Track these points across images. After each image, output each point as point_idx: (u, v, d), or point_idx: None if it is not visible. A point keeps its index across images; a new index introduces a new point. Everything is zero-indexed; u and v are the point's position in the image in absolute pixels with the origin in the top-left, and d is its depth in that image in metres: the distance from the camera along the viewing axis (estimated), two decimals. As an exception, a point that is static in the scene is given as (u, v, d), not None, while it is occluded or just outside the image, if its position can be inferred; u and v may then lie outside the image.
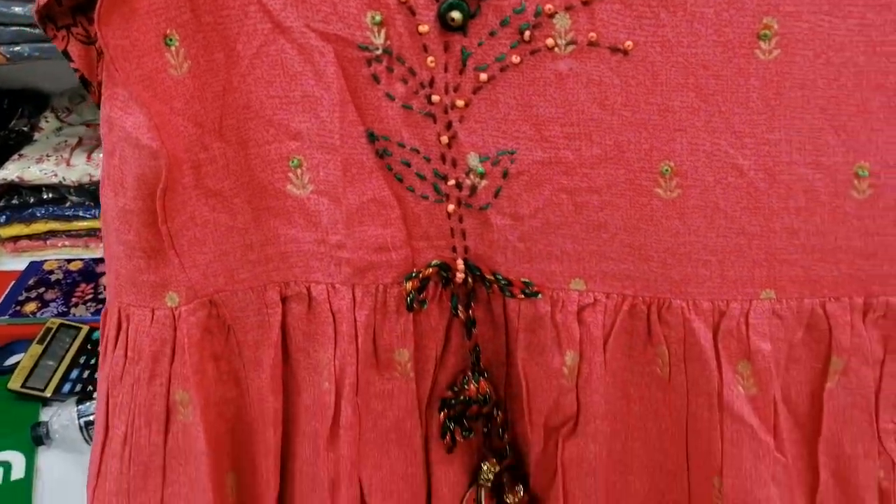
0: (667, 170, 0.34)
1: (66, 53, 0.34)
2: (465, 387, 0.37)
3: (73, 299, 1.01)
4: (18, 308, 0.99)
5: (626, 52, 0.32)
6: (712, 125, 0.33)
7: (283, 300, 0.37)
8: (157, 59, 0.33)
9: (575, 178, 0.35)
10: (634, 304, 0.36)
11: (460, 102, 0.34)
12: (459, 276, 0.36)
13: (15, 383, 0.88)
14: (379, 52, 0.33)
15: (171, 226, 0.35)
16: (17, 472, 0.82)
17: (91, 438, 0.82)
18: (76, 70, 0.34)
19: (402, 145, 0.35)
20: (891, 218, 0.35)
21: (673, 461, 0.38)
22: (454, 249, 0.36)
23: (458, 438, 0.38)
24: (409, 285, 0.35)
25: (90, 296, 1.02)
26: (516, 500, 0.39)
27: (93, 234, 1.11)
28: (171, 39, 0.33)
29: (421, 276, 0.35)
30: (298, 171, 0.35)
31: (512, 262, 0.36)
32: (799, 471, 0.38)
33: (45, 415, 0.87)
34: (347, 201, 0.35)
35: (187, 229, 0.36)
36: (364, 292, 0.36)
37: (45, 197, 1.07)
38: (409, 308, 0.35)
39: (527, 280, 0.36)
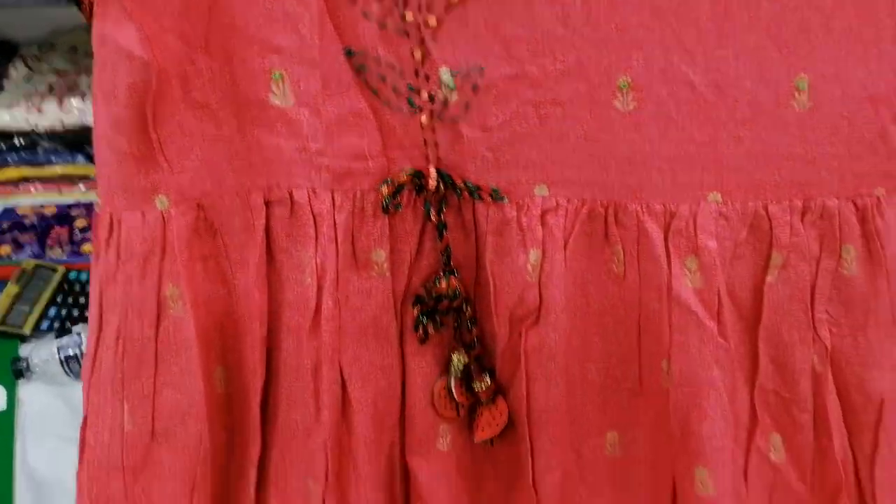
0: (624, 84, 0.37)
1: None
2: (437, 284, 0.40)
3: (49, 241, 1.01)
4: (-8, 252, 0.99)
5: None
6: (666, 43, 0.37)
7: (267, 204, 0.40)
8: None
9: (539, 91, 0.38)
10: (593, 208, 0.40)
11: (432, 21, 0.36)
12: (432, 182, 0.39)
13: (-7, 321, 0.89)
14: None
15: (160, 133, 0.38)
16: (0, 404, 0.84)
17: (71, 372, 0.84)
18: None
19: (377, 61, 0.37)
20: (827, 127, 0.39)
21: (627, 349, 0.42)
22: (427, 159, 0.39)
23: (430, 331, 0.41)
24: (384, 189, 0.38)
25: (65, 237, 1.02)
26: (483, 387, 0.42)
27: (66, 179, 1.10)
28: None
29: (396, 181, 0.38)
30: (281, 83, 0.38)
31: (481, 170, 0.39)
32: (741, 357, 0.42)
33: (24, 351, 0.88)
34: (327, 112, 0.38)
35: (175, 137, 0.38)
36: (343, 197, 0.39)
37: (16, 143, 1.06)
38: (385, 210, 0.38)
39: (494, 187, 0.39)
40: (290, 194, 0.39)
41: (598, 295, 0.41)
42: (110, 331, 0.40)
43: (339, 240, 0.39)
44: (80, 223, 1.05)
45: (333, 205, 0.39)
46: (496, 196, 0.39)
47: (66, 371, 0.85)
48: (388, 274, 0.40)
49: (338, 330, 0.40)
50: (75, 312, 0.94)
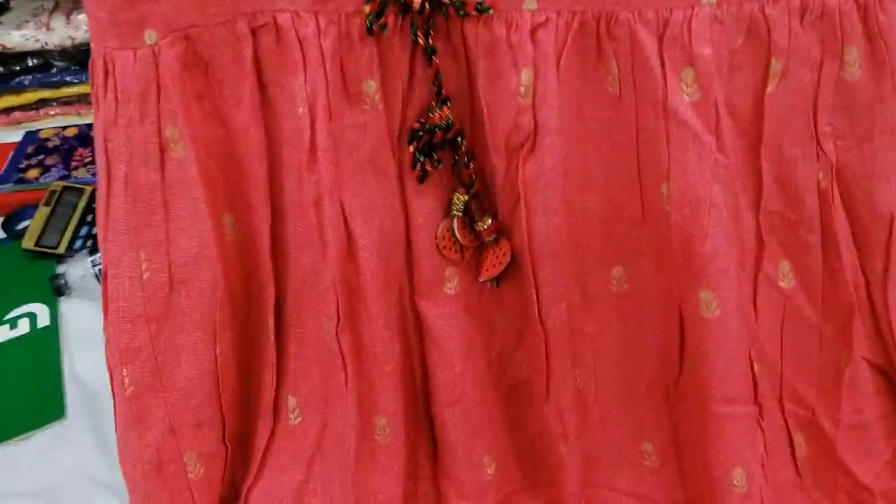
0: None
1: None
2: (430, 115, 0.39)
3: (73, 163, 1.03)
4: (21, 176, 1.02)
5: None
6: None
7: (253, 32, 0.39)
8: None
9: None
10: (584, 21, 0.38)
11: None
12: (417, 1, 0.37)
13: (28, 242, 0.91)
14: None
15: None
16: (43, 321, 0.86)
17: (106, 286, 0.87)
18: None
19: None
20: None
21: (626, 175, 0.41)
22: None
23: (427, 169, 0.40)
24: (367, 8, 0.36)
25: (89, 158, 1.04)
26: (484, 226, 0.42)
27: (83, 100, 1.12)
28: None
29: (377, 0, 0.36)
30: None
31: None
32: (745, 178, 0.41)
33: (61, 269, 0.91)
34: None
35: None
36: (328, 21, 0.38)
37: (30, 64, 1.07)
38: (370, 30, 0.37)
39: (479, 3, 0.37)
40: (275, 18, 0.38)
41: (595, 117, 0.40)
42: (118, 178, 0.40)
43: (328, 65, 0.38)
44: (101, 142, 1.06)
45: (318, 29, 0.38)
46: (481, 8, 0.37)
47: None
48: (380, 106, 0.39)
49: (334, 162, 0.40)
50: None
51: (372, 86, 0.39)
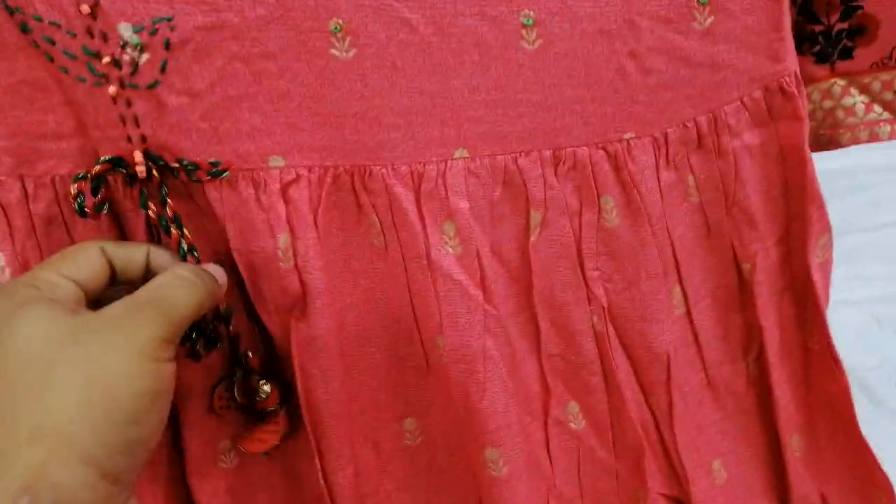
0: (337, 28, 0.34)
1: None
2: None
3: None
4: None
5: None
6: None
7: None
8: None
9: (245, 43, 0.33)
10: (337, 175, 0.36)
11: None
12: (140, 169, 0.33)
13: None
14: None
15: None
16: None
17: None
18: None
19: (38, 19, 0.31)
20: (563, 68, 0.37)
21: (405, 326, 0.39)
22: (129, 140, 0.33)
23: (200, 352, 0.36)
24: (74, 187, 0.32)
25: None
26: (265, 395, 0.38)
27: None
28: None
29: (90, 174, 0.33)
30: None
31: (200, 145, 0.34)
32: (523, 324, 0.40)
33: None
34: None
35: None
36: (38, 184, 0.34)
37: None
38: (81, 213, 0.32)
39: (213, 160, 0.34)
40: None
41: (365, 271, 0.38)
42: None
43: (38, 233, 0.34)
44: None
45: (25, 193, 0.34)
46: (215, 170, 0.34)
47: None
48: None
49: None
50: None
51: None
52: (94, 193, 0.32)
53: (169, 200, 0.34)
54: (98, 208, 0.33)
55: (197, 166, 0.34)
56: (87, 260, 0.32)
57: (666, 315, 0.41)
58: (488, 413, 0.38)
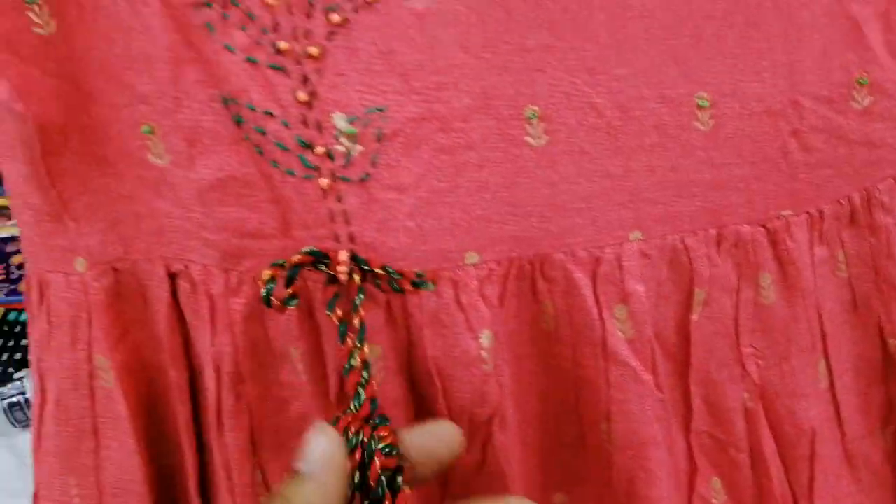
0: (532, 114, 0.33)
1: None
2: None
3: (-17, 280, 0.98)
4: (-74, 293, 0.96)
5: None
6: (567, 63, 0.33)
7: (171, 276, 0.34)
8: (18, 18, 0.30)
9: (451, 134, 0.33)
10: (521, 266, 0.35)
11: (314, 51, 0.30)
12: (343, 269, 0.31)
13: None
14: None
15: (62, 191, 0.33)
16: None
17: (16, 421, 0.81)
18: None
19: (252, 108, 0.31)
20: (732, 147, 0.37)
21: (565, 409, 0.38)
22: (337, 238, 0.32)
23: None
24: (268, 273, 0.31)
25: (2, 276, 0.99)
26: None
27: (1, 212, 1.07)
28: None
29: (287, 265, 0.31)
30: (153, 137, 0.32)
31: (406, 246, 0.33)
32: (675, 400, 0.40)
33: (-36, 401, 0.85)
34: (198, 176, 0.32)
35: (81, 195, 0.33)
36: (240, 279, 0.33)
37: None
38: (267, 304, 0.31)
39: (419, 271, 0.33)
40: (188, 268, 0.34)
41: (529, 356, 0.37)
42: (51, 399, 0.36)
43: (237, 328, 0.33)
44: (16, 259, 1.02)
45: (228, 287, 0.33)
46: (420, 283, 0.32)
47: (10, 420, 0.82)
48: (304, 378, 0.35)
49: (245, 428, 0.35)
50: (17, 356, 0.91)
51: (294, 353, 0.34)
52: (288, 284, 0.31)
53: (361, 309, 0.32)
54: (287, 301, 0.31)
55: (402, 276, 0.32)
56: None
57: (812, 389, 0.41)
58: (654, 500, 0.37)
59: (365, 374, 0.30)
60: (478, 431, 0.35)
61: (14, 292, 0.98)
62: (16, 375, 0.84)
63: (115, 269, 0.35)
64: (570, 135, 0.34)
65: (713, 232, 0.38)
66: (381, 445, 0.28)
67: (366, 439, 0.28)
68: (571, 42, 0.33)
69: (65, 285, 0.35)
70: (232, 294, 0.33)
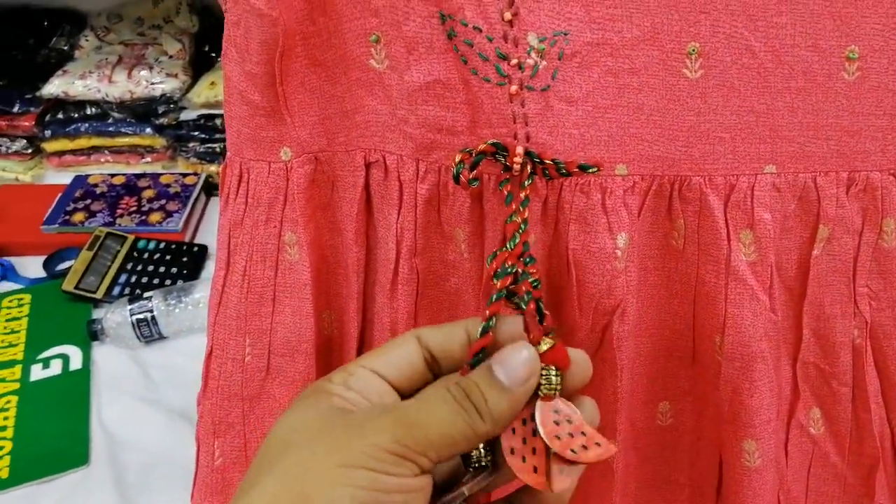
0: (693, 50, 0.38)
1: None
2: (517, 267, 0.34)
3: (119, 210, 1.07)
4: (67, 218, 1.05)
5: None
6: (731, 8, 0.37)
7: (367, 165, 0.42)
8: None
9: (619, 59, 0.38)
10: (661, 184, 0.40)
11: None
12: (517, 160, 0.36)
13: (69, 284, 0.94)
14: None
15: (285, 88, 0.40)
16: (76, 363, 0.87)
17: (142, 336, 0.89)
18: None
19: (465, 24, 0.36)
20: (874, 98, 0.40)
21: (681, 322, 0.43)
22: (515, 136, 0.37)
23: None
24: (458, 156, 0.36)
25: (134, 208, 1.08)
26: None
27: (134, 150, 1.16)
28: None
29: (474, 151, 0.36)
30: (378, 45, 0.39)
31: (569, 149, 0.38)
32: (786, 329, 0.43)
33: (98, 314, 0.93)
34: (411, 78, 0.38)
35: (298, 93, 0.40)
36: (427, 168, 0.40)
37: (88, 112, 1.12)
38: (456, 180, 0.36)
39: (582, 163, 0.38)
40: (384, 157, 0.41)
41: (656, 269, 0.43)
42: (237, 271, 0.43)
43: (419, 209, 0.40)
44: (147, 194, 1.11)
45: (417, 174, 0.40)
46: (585, 166, 0.38)
47: (137, 335, 0.89)
48: (466, 255, 0.41)
49: (413, 294, 0.42)
50: (144, 279, 0.99)
51: (460, 234, 0.41)
52: (472, 168, 0.37)
53: (527, 188, 0.38)
54: (471, 182, 0.37)
55: (567, 164, 0.38)
56: (399, 353, 0.31)
57: (923, 336, 0.43)
58: (755, 409, 0.41)
59: (522, 225, 0.35)
60: (600, 319, 0.41)
61: (144, 222, 1.06)
62: (144, 295, 0.92)
63: (316, 159, 0.42)
64: (723, 71, 0.38)
65: (844, 175, 0.41)
66: (530, 279, 0.32)
67: (519, 270, 0.32)
68: None
69: (267, 171, 0.42)
70: (420, 180, 0.40)
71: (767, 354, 0.41)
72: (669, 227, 0.41)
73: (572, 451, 0.28)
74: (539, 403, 0.30)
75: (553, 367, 0.30)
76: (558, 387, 0.30)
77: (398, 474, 0.27)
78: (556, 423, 0.29)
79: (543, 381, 0.30)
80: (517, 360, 0.29)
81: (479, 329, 0.31)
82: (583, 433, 0.29)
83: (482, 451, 0.30)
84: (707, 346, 0.43)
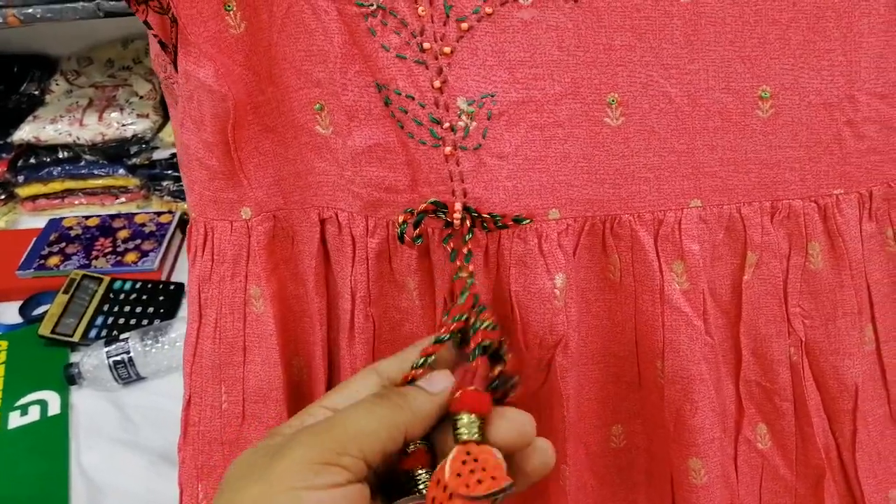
0: (612, 100, 0.41)
1: (146, 23, 0.41)
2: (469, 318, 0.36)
3: (94, 252, 1.08)
4: (42, 262, 1.06)
5: (576, 0, 0.39)
6: (646, 60, 0.40)
7: (322, 221, 0.44)
8: (220, 22, 0.40)
9: (543, 114, 0.41)
10: (593, 224, 0.43)
11: (447, 49, 0.39)
12: (457, 216, 0.40)
13: (45, 329, 0.95)
14: (374, 7, 0.39)
15: (240, 154, 0.43)
16: (54, 409, 0.88)
17: (119, 378, 0.89)
18: (155, 36, 0.41)
19: (398, 93, 0.39)
20: (789, 132, 0.42)
21: (625, 349, 0.45)
22: (453, 193, 0.41)
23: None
24: (401, 217, 0.40)
25: (109, 249, 1.08)
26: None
27: (108, 191, 1.17)
28: (228, 6, 0.40)
29: (416, 211, 0.40)
30: (322, 113, 0.42)
31: (504, 201, 0.41)
32: (725, 351, 0.46)
33: (75, 358, 0.93)
34: (353, 143, 0.41)
35: (253, 157, 0.43)
36: (377, 223, 0.42)
37: (60, 156, 1.13)
38: (401, 239, 0.40)
39: (516, 215, 0.41)
40: (336, 215, 0.44)
41: (597, 301, 0.45)
42: (208, 323, 0.46)
43: (370, 262, 0.43)
44: (122, 234, 1.12)
45: (367, 230, 0.43)
46: (519, 220, 0.41)
47: (115, 377, 0.89)
48: (417, 302, 0.44)
49: (370, 342, 0.45)
50: (121, 320, 0.99)
51: (411, 283, 0.43)
52: (416, 226, 0.40)
53: (469, 243, 0.41)
54: (415, 239, 0.40)
55: (504, 216, 0.41)
56: (357, 387, 0.33)
57: (857, 350, 0.45)
58: (697, 429, 0.44)
59: (469, 280, 0.39)
60: (545, 353, 0.43)
61: (119, 263, 1.07)
62: (121, 337, 0.93)
63: (274, 216, 0.45)
64: (643, 117, 0.41)
65: (767, 204, 0.43)
66: (485, 324, 0.35)
67: (472, 319, 0.35)
68: (651, 42, 0.40)
69: (229, 230, 0.45)
70: (370, 235, 0.43)
71: (707, 376, 0.44)
72: (605, 262, 0.44)
73: (466, 485, 0.29)
74: (455, 447, 0.31)
75: (465, 414, 0.31)
76: (475, 433, 0.31)
77: (321, 486, 0.27)
78: (463, 463, 0.30)
79: (459, 427, 0.31)
80: (438, 374, 0.33)
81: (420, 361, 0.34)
82: (483, 469, 0.30)
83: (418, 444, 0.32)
84: (650, 371, 0.45)
